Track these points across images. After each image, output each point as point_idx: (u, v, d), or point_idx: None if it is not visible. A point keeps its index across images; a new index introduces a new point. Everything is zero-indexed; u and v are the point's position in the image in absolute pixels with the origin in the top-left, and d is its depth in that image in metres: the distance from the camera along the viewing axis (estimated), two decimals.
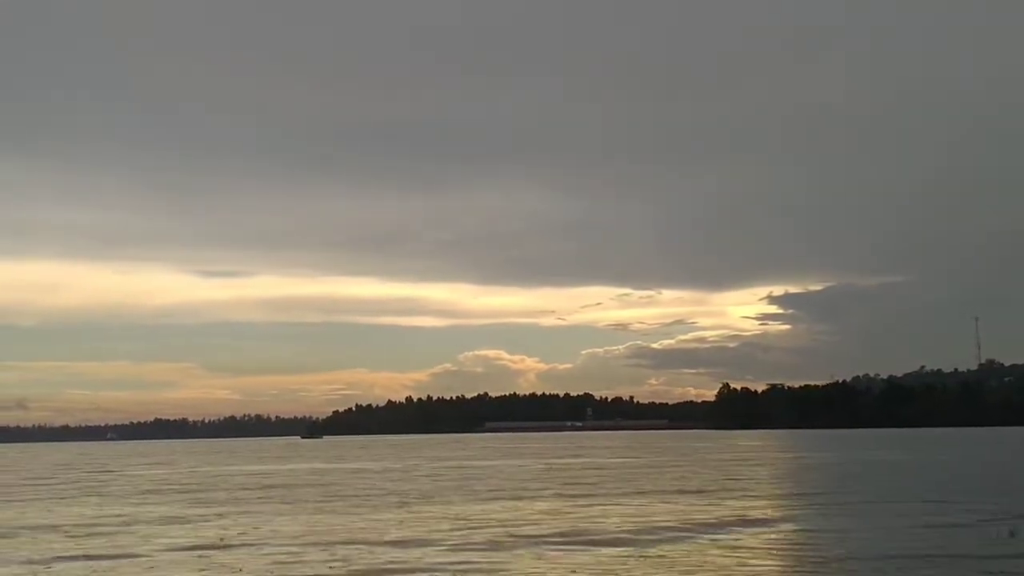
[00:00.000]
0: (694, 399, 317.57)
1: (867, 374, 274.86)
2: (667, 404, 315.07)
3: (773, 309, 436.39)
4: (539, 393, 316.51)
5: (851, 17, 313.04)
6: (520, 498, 32.30)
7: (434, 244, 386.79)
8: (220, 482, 47.07)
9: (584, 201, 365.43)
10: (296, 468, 62.88)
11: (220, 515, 27.91)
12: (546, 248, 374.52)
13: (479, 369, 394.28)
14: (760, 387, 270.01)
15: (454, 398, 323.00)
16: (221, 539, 21.97)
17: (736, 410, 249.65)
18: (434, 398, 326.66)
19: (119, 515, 28.65)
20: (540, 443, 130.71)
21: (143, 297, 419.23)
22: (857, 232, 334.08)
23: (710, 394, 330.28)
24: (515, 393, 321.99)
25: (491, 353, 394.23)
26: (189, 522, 26.11)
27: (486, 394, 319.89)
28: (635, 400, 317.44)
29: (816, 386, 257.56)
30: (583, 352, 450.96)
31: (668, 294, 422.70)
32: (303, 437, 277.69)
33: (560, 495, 33.39)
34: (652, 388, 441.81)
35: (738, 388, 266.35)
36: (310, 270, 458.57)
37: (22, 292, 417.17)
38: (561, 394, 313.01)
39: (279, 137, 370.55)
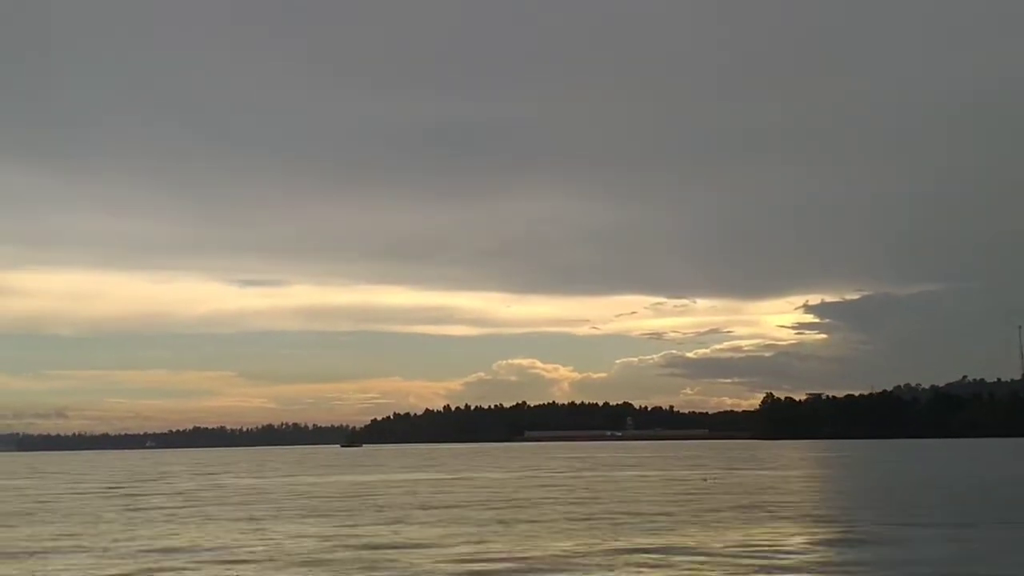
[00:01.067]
0: (733, 408, 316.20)
1: (908, 384, 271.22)
2: (707, 413, 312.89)
3: (809, 318, 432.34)
4: (577, 402, 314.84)
5: (876, 22, 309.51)
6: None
7: (468, 253, 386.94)
8: (345, 494, 44.30)
9: (618, 209, 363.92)
10: (405, 479, 59.41)
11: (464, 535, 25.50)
12: (580, 257, 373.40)
13: (513, 378, 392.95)
14: (798, 397, 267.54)
15: (492, 407, 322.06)
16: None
17: (779, 419, 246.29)
18: (471, 407, 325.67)
19: (353, 535, 25.54)
20: (607, 452, 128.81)
21: (180, 306, 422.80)
22: (894, 240, 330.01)
23: (746, 403, 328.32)
24: (554, 402, 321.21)
25: (525, 362, 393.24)
26: (443, 545, 23.14)
27: (524, 403, 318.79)
28: (674, 409, 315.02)
29: (860, 396, 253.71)
30: (617, 361, 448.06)
31: (703, 303, 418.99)
32: (343, 445, 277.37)
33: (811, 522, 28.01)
34: (687, 397, 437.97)
35: (781, 397, 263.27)
36: (345, 279, 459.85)
37: (61, 302, 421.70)
38: (599, 403, 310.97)
39: (316, 147, 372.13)
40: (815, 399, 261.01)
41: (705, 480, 49.28)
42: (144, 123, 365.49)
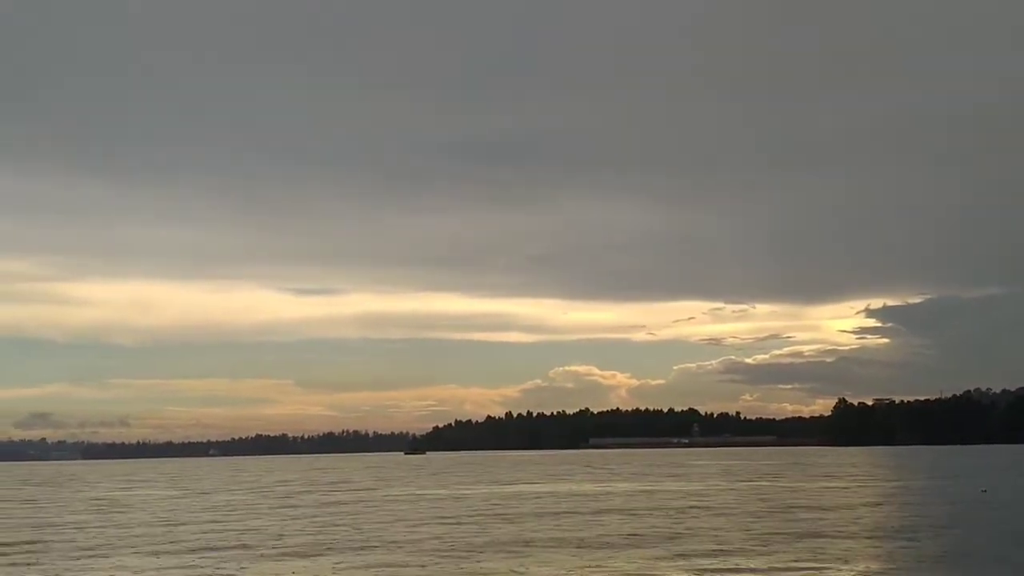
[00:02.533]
0: (803, 414, 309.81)
1: (978, 388, 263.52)
2: (773, 420, 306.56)
3: (871, 323, 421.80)
4: (642, 408, 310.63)
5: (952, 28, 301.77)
6: None
7: (524, 259, 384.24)
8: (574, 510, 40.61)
9: (674, 214, 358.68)
10: (559, 490, 54.17)
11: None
12: (637, 262, 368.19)
13: (570, 385, 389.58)
14: (866, 402, 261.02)
15: (554, 413, 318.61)
16: None
17: (852, 426, 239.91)
18: (533, 414, 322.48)
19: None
20: (711, 459, 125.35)
21: (238, 315, 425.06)
22: (958, 243, 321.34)
23: (807, 410, 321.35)
24: (617, 408, 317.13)
25: (582, 369, 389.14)
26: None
27: (587, 409, 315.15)
28: (741, 415, 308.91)
29: (934, 400, 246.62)
30: (675, 367, 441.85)
31: (762, 308, 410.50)
32: (407, 453, 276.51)
33: None
34: (747, 404, 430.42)
35: (855, 403, 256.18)
36: (402, 286, 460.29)
37: (123, 312, 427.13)
38: (663, 409, 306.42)
39: (371, 153, 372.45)
40: (888, 404, 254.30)
41: (984, 491, 42.85)
42: (202, 136, 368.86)
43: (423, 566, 20.76)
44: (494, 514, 34.46)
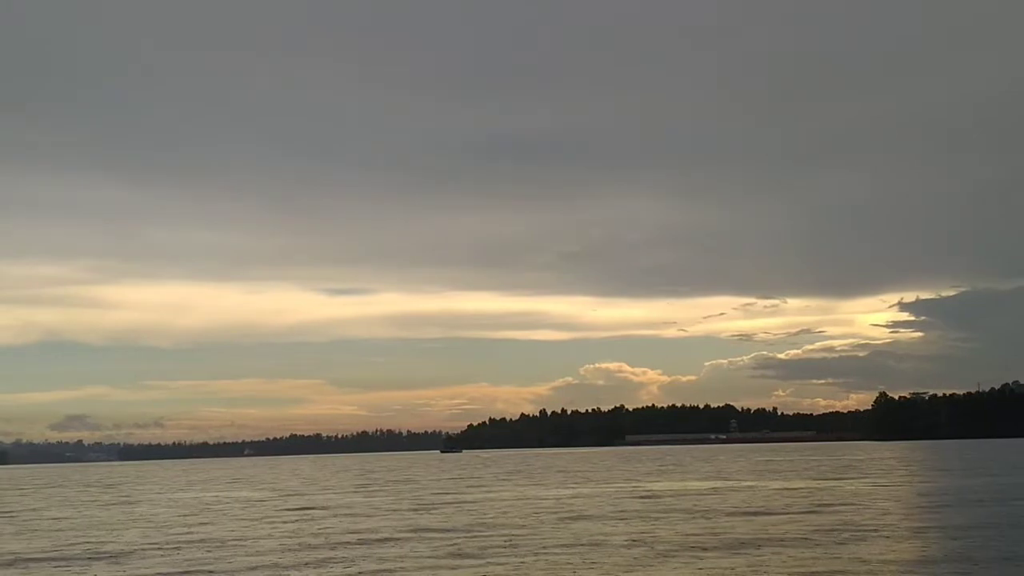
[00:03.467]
0: (838, 409, 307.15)
1: (1016, 381, 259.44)
2: (811, 415, 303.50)
3: (904, 316, 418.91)
4: (676, 404, 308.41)
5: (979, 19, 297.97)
6: None
7: (554, 257, 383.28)
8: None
9: (705, 210, 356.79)
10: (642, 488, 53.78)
11: None
12: (665, 259, 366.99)
13: (601, 382, 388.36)
14: (904, 396, 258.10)
15: (589, 411, 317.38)
16: None
17: (893, 420, 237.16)
18: (567, 411, 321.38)
19: None
20: (764, 455, 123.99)
21: (271, 316, 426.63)
22: (990, 235, 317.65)
23: (840, 404, 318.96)
24: (653, 405, 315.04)
25: (613, 366, 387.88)
26: None
27: (622, 406, 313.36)
28: (777, 411, 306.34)
29: (976, 393, 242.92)
30: (706, 364, 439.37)
31: (793, 303, 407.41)
32: (442, 451, 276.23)
33: None
34: (779, 399, 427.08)
35: (895, 397, 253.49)
36: (432, 286, 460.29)
37: (158, 314, 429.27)
38: (700, 405, 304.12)
39: (402, 154, 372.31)
40: (931, 398, 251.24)
41: None
42: (233, 140, 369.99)
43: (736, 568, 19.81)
44: (666, 511, 33.25)
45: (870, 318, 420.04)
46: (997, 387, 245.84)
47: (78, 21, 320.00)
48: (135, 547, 26.07)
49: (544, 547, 23.43)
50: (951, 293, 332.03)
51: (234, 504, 45.04)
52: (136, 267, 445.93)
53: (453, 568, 20.48)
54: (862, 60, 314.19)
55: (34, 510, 45.74)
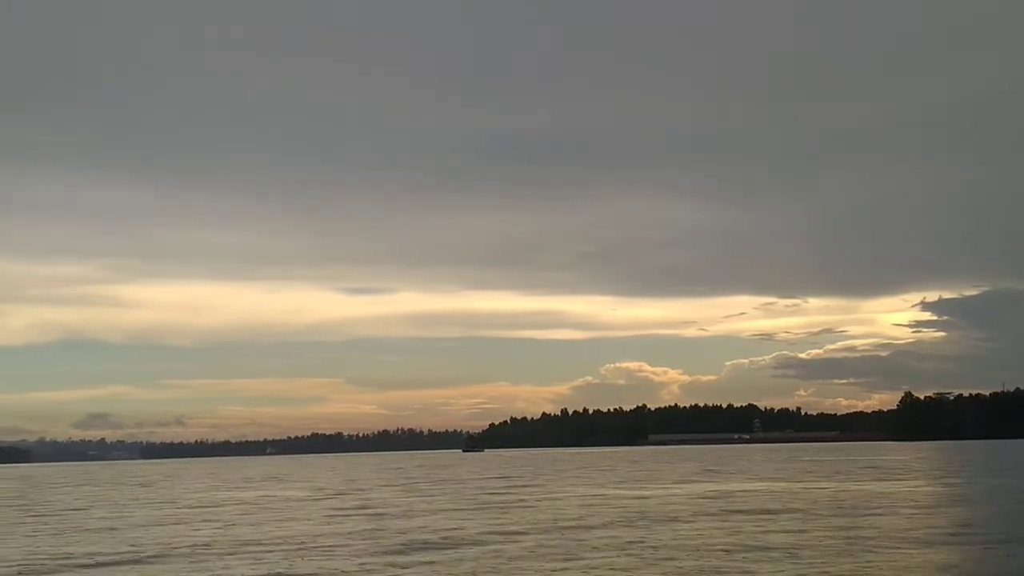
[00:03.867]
0: (862, 409, 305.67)
1: None
2: (835, 415, 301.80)
3: (927, 316, 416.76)
4: (700, 404, 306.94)
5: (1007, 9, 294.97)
6: None
7: (573, 256, 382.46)
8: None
9: (726, 208, 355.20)
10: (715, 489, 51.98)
11: None
12: (687, 258, 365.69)
13: (621, 381, 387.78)
14: (930, 396, 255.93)
15: (611, 410, 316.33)
16: None
17: (919, 420, 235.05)
18: (589, 410, 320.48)
19: None
20: (811, 454, 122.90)
21: (290, 315, 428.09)
22: (1014, 234, 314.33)
23: (862, 404, 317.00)
24: (675, 404, 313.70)
25: (633, 365, 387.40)
26: None
27: (644, 406, 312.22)
28: (802, 411, 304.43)
29: (997, 393, 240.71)
30: (727, 363, 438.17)
31: (815, 302, 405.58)
32: (464, 450, 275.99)
33: None
34: (801, 399, 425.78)
35: (921, 397, 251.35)
36: (450, 285, 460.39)
37: (178, 313, 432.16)
38: (722, 405, 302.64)
39: (420, 153, 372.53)
40: (957, 398, 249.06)
41: None
42: (252, 140, 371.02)
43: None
44: (798, 510, 32.34)
45: (892, 318, 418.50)
46: (1022, 387, 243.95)
47: (90, 20, 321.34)
48: (210, 548, 25.38)
49: (707, 547, 22.58)
50: (973, 293, 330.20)
51: (289, 503, 44.38)
52: (156, 267, 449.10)
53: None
54: (883, 59, 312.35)
55: (79, 510, 44.97)
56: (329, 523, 31.97)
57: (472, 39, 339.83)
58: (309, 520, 33.59)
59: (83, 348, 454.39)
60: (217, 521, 34.23)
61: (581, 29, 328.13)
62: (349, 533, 27.79)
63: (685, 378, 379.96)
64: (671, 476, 64.04)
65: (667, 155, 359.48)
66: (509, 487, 53.54)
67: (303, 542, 25.85)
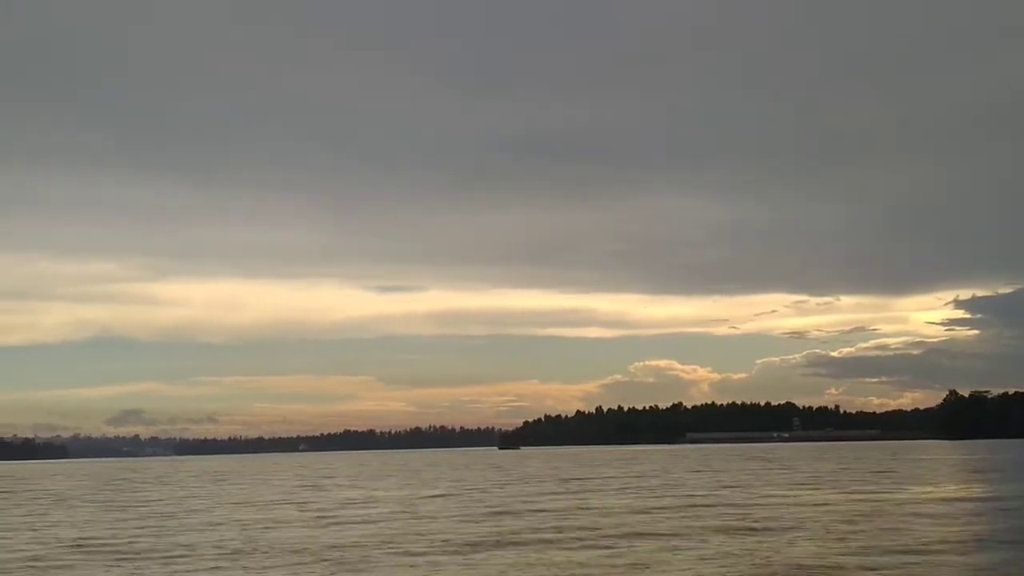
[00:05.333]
0: (902, 407, 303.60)
1: None
2: (874, 413, 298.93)
3: (960, 314, 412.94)
4: (733, 402, 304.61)
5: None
6: None
7: (603, 254, 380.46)
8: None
9: (757, 206, 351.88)
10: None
11: None
12: (717, 255, 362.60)
13: (651, 380, 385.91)
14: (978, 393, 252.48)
15: (646, 408, 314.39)
16: None
17: (963, 419, 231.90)
18: (624, 408, 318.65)
19: None
20: (880, 452, 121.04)
21: (321, 313, 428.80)
22: None
23: (894, 403, 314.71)
24: (713, 402, 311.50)
25: (662, 363, 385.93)
26: None
27: (680, 404, 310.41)
28: (840, 409, 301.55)
29: None
30: (758, 361, 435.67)
31: (847, 300, 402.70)
32: (500, 448, 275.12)
33: None
34: (833, 397, 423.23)
35: (965, 394, 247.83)
36: (479, 283, 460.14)
37: (209, 311, 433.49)
38: (760, 403, 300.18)
39: (450, 151, 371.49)
40: (1002, 396, 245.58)
41: None
42: (282, 138, 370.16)
43: None
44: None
45: (925, 316, 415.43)
46: None
47: (118, 20, 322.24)
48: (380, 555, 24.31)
49: None
50: (1007, 291, 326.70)
51: (408, 502, 43.24)
52: (187, 264, 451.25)
53: None
54: (915, 52, 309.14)
55: (194, 510, 43.67)
56: (477, 525, 30.92)
57: (502, 38, 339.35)
58: (452, 519, 32.55)
59: (116, 345, 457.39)
60: (363, 522, 33.26)
61: (609, 28, 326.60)
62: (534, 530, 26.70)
63: (715, 376, 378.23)
64: (845, 478, 58.13)
65: (698, 152, 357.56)
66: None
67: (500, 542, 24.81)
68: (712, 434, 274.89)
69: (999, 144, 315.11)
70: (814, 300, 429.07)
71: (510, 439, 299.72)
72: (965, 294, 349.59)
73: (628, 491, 47.03)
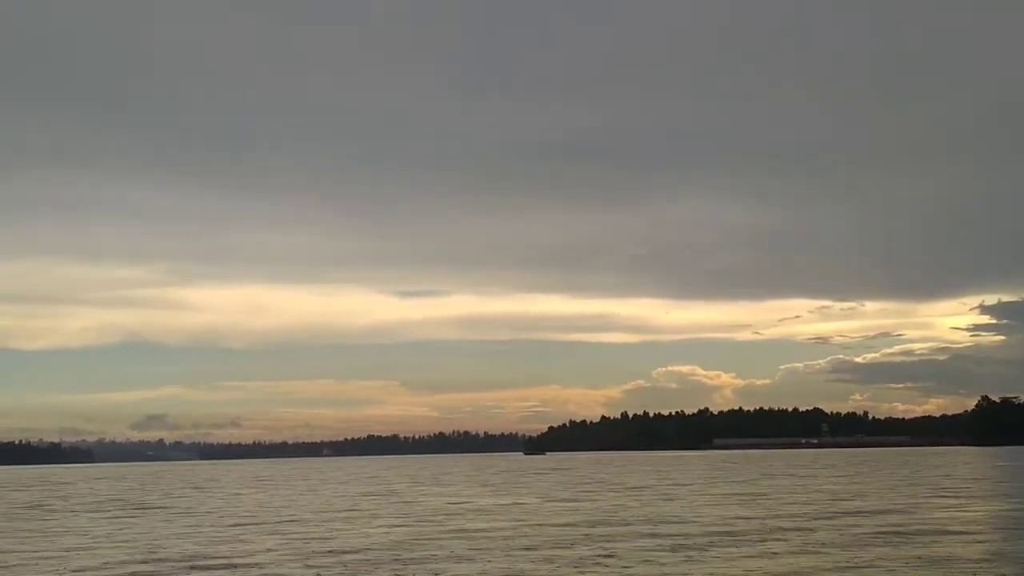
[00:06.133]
0: (920, 414, 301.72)
1: None
2: (903, 419, 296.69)
3: (985, 319, 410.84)
4: (756, 408, 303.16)
5: None
6: None
7: (626, 259, 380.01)
8: None
9: (780, 210, 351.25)
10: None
11: None
12: (741, 260, 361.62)
13: (673, 385, 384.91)
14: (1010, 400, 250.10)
15: (672, 413, 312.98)
16: None
17: (996, 425, 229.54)
18: (650, 414, 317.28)
19: None
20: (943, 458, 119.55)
21: (343, 318, 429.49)
22: None
23: (919, 409, 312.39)
24: (740, 408, 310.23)
25: (685, 369, 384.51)
26: None
27: (707, 409, 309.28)
28: (869, 415, 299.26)
29: None
30: (781, 367, 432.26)
31: (871, 305, 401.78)
32: (526, 453, 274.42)
33: None
34: (857, 403, 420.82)
35: (997, 400, 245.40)
36: (502, 288, 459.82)
37: (232, 316, 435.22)
38: (788, 408, 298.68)
39: (473, 156, 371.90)
40: None
41: None
42: (306, 143, 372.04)
43: None
44: None
45: (950, 321, 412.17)
46: None
47: (145, 25, 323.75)
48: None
49: None
50: None
51: (498, 510, 42.70)
52: (211, 269, 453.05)
53: None
54: (937, 60, 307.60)
55: (292, 520, 43.25)
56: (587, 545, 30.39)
57: (525, 40, 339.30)
58: (552, 528, 32.00)
59: (141, 350, 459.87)
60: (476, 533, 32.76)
61: (633, 31, 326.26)
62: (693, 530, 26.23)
63: (739, 382, 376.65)
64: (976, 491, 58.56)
65: (721, 157, 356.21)
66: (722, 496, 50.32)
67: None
68: (740, 440, 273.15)
69: None
70: (838, 305, 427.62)
71: (536, 444, 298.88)
72: (991, 299, 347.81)
73: (760, 501, 46.39)
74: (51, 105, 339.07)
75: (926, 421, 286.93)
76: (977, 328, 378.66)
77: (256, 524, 34.88)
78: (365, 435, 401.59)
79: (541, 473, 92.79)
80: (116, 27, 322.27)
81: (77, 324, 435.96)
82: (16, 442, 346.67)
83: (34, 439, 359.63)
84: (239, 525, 34.53)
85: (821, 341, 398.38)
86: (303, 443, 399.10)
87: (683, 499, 44.47)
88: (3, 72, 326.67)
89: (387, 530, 30.88)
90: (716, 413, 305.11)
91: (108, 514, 43.55)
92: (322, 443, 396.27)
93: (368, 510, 41.70)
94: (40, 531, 34.32)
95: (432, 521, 34.17)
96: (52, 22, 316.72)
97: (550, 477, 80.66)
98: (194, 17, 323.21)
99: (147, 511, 44.97)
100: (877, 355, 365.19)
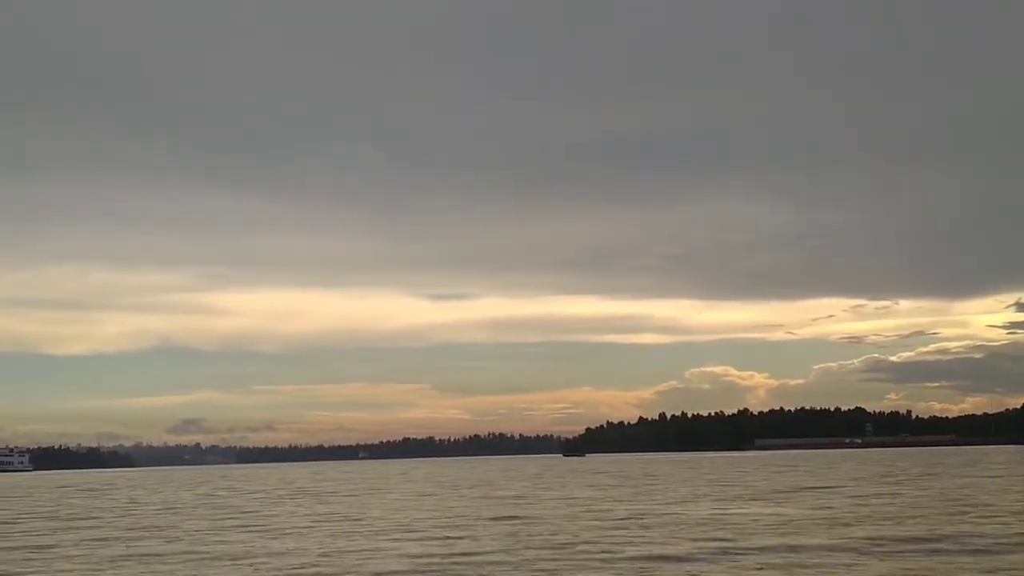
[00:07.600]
0: (957, 413, 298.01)
1: None
2: (946, 418, 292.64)
3: (1022, 316, 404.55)
4: (807, 407, 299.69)
5: None
6: None
7: (657, 259, 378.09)
8: None
9: (813, 209, 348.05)
10: None
11: None
12: (774, 259, 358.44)
13: (707, 386, 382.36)
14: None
15: (711, 414, 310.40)
16: None
17: None
18: (689, 415, 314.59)
19: None
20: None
21: (375, 321, 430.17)
22: None
23: (956, 408, 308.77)
24: (781, 408, 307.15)
25: (718, 370, 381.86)
26: None
27: (746, 410, 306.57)
28: (913, 414, 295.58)
29: None
30: (815, 367, 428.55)
31: (906, 304, 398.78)
32: (565, 455, 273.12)
33: None
34: (892, 403, 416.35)
35: None
36: (534, 290, 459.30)
37: (264, 320, 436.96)
38: (830, 408, 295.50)
39: (503, 158, 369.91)
40: None
41: None
42: (336, 147, 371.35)
43: None
44: None
45: (986, 319, 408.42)
46: None
47: (174, 32, 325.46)
48: None
49: None
50: None
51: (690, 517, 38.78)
52: (243, 274, 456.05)
53: None
54: (972, 55, 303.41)
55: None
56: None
57: (557, 42, 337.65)
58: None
59: (175, 355, 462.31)
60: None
61: (666, 30, 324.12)
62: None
63: (772, 382, 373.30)
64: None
65: (753, 157, 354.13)
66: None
67: None
68: (783, 440, 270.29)
69: None
70: (872, 304, 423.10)
71: (574, 446, 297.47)
72: None
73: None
74: (86, 111, 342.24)
75: (969, 420, 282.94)
76: (1014, 326, 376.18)
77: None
78: (400, 438, 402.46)
79: (653, 478, 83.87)
80: (146, 37, 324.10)
81: (111, 329, 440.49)
82: (55, 447, 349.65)
83: (72, 444, 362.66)
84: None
85: (855, 340, 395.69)
86: (339, 446, 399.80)
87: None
88: (39, 78, 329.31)
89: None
90: (756, 413, 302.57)
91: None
92: (358, 446, 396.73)
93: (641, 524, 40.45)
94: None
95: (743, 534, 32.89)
96: (103, 47, 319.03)
97: (672, 480, 78.61)
98: (223, 23, 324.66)
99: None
100: (912, 354, 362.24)
